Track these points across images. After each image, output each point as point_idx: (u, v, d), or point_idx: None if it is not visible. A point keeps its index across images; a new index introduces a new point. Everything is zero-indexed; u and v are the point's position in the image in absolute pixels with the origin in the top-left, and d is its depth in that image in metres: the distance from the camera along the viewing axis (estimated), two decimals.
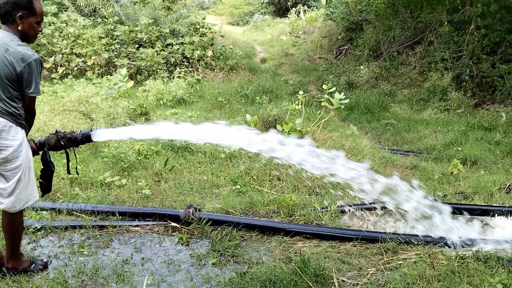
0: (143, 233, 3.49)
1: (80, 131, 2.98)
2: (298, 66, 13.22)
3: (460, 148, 5.63)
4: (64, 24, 10.31)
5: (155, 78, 9.74)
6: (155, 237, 3.42)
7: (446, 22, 9.59)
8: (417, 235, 3.16)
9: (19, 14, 2.56)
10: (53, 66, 9.91)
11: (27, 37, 2.63)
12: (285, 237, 3.31)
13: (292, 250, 3.14)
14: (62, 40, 9.95)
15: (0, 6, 2.59)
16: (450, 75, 8.93)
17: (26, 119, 2.66)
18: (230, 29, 19.92)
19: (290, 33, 18.73)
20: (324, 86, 5.76)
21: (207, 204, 3.89)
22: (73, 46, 9.94)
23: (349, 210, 3.66)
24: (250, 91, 8.69)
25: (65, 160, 3.18)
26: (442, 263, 2.83)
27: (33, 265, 2.91)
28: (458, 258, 2.87)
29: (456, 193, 4.11)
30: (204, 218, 3.46)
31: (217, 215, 3.60)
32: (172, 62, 10.55)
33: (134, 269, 2.97)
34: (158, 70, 10.17)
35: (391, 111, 8.27)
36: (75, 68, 9.74)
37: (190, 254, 3.16)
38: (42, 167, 2.93)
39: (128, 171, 4.61)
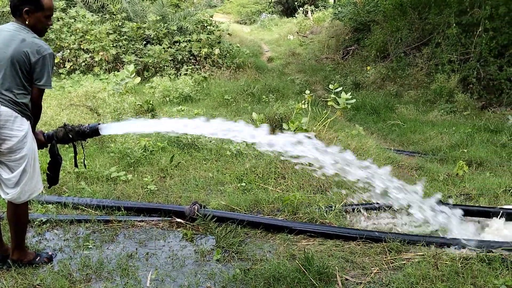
0: (148, 228, 3.51)
1: (88, 124, 3.00)
2: (305, 65, 13.20)
3: (466, 150, 5.60)
4: (73, 20, 10.38)
5: (162, 75, 9.78)
6: (160, 233, 3.44)
7: (454, 24, 9.52)
8: (422, 236, 3.15)
9: (26, 8, 2.58)
10: (61, 61, 9.96)
11: (35, 31, 2.65)
12: (289, 235, 3.31)
13: (296, 248, 3.14)
14: (70, 35, 10.01)
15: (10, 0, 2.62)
16: (457, 77, 8.87)
17: (32, 112, 2.68)
18: (237, 28, 19.93)
19: (297, 32, 18.71)
20: (331, 86, 5.76)
21: (212, 201, 3.90)
22: (81, 41, 9.99)
23: (354, 210, 3.66)
24: (257, 90, 8.70)
25: (72, 154, 3.21)
26: (446, 263, 2.83)
27: (38, 257, 2.93)
28: (461, 259, 2.86)
29: (461, 195, 4.10)
30: (209, 215, 3.47)
31: (222, 212, 3.61)
32: (179, 60, 10.58)
33: (138, 264, 2.98)
34: (165, 67, 10.21)
35: (397, 112, 8.24)
36: (83, 63, 9.80)
37: (195, 250, 3.17)
38: (50, 159, 2.95)
39: (134, 166, 4.64)
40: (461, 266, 2.78)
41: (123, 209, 3.69)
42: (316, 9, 21.66)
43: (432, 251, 2.96)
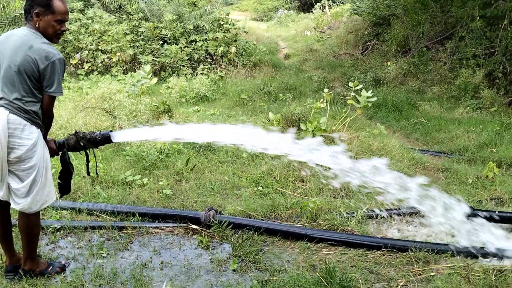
0: (163, 235, 3.41)
1: (100, 131, 2.90)
2: (323, 62, 12.96)
3: (494, 150, 5.33)
4: (90, 21, 10.41)
5: (178, 75, 9.72)
6: (175, 240, 3.34)
7: (478, 17, 9.16)
8: (450, 245, 2.96)
9: (36, 11, 2.52)
10: (79, 62, 10.01)
11: (46, 36, 2.55)
12: (309, 243, 3.16)
13: (317, 258, 2.99)
14: (88, 36, 10.05)
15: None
16: (482, 72, 8.54)
17: (42, 120, 2.59)
18: (254, 25, 19.75)
19: (314, 28, 18.40)
20: (350, 84, 5.56)
21: (228, 206, 3.78)
22: (99, 42, 10.01)
23: (378, 216, 3.48)
24: (273, 88, 8.54)
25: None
26: (479, 276, 2.64)
27: (51, 267, 2.86)
28: (495, 271, 2.66)
29: (492, 199, 3.86)
30: (225, 221, 3.35)
31: (238, 219, 3.48)
32: (195, 59, 10.50)
33: (152, 274, 2.88)
34: (182, 66, 10.14)
35: (421, 109, 7.96)
36: (101, 64, 9.82)
37: (210, 259, 3.05)
38: (61, 167, 2.87)
39: (150, 169, 4.55)
40: (495, 279, 2.59)
41: (138, 215, 3.60)
42: (334, 4, 21.29)
43: (463, 262, 2.77)
